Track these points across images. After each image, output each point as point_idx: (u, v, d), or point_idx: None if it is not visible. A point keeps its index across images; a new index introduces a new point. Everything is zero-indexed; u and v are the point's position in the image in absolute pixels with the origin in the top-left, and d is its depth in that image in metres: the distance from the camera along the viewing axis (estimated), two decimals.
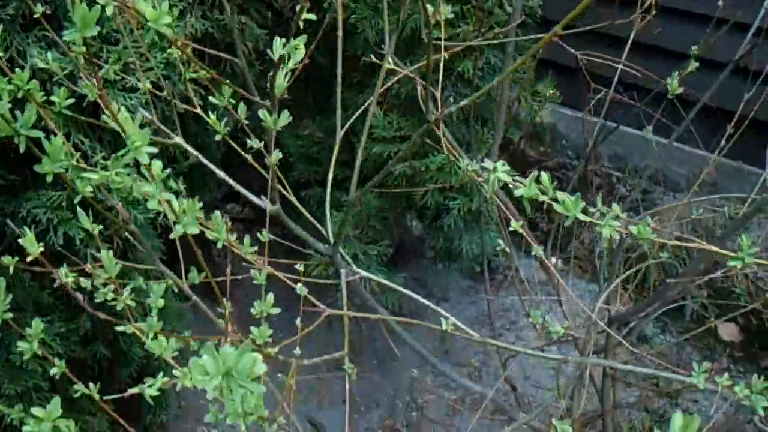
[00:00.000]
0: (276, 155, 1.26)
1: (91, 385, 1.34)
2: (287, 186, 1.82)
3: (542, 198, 1.31)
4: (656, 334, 3.66)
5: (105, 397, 1.29)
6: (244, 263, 1.62)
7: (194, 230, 1.03)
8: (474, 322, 3.63)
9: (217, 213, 1.35)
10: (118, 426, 2.07)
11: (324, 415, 3.40)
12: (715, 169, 3.77)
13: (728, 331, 3.79)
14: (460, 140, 2.75)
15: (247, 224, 4.13)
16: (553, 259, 4.08)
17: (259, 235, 1.40)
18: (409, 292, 1.88)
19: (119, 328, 1.31)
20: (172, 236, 1.03)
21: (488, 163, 1.31)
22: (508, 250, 2.08)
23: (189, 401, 3.50)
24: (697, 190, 2.56)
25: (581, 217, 1.29)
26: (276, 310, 1.31)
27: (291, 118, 1.23)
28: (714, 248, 1.43)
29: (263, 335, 1.23)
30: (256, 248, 1.39)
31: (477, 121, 2.92)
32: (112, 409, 1.49)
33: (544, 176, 1.30)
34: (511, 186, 1.35)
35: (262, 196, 1.63)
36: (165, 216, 1.17)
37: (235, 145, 1.67)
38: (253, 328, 1.25)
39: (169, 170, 1.14)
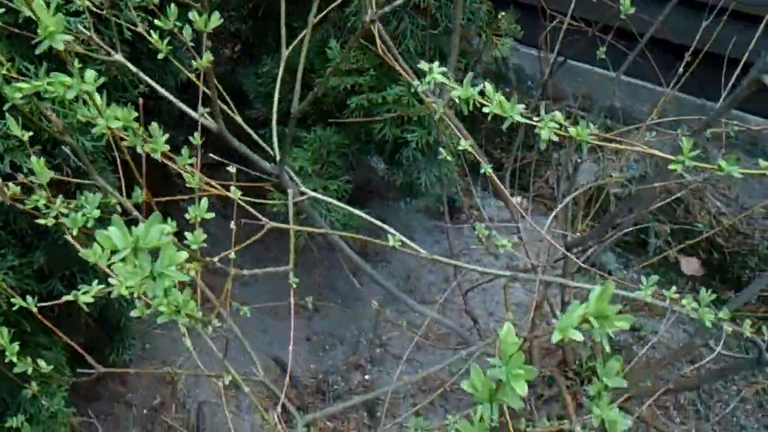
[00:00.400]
0: (207, 57, 1.24)
1: (28, 298, 1.32)
2: (246, 123, 1.81)
3: (479, 100, 1.31)
4: (619, 269, 3.69)
5: (41, 306, 1.27)
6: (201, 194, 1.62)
7: (116, 124, 1.01)
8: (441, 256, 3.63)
9: (155, 124, 1.33)
10: (78, 361, 2.07)
11: (287, 354, 3.40)
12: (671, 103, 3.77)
13: (690, 265, 3.82)
14: (418, 73, 2.72)
15: (212, 169, 4.10)
16: (518, 198, 4.09)
17: (190, 138, 1.38)
18: (361, 213, 1.88)
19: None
20: (95, 131, 1.01)
21: (423, 64, 1.30)
22: (464, 184, 2.08)
23: (154, 343, 3.50)
24: (654, 118, 2.57)
25: (518, 118, 1.28)
26: (210, 215, 1.29)
27: (222, 20, 1.20)
28: (653, 150, 1.43)
29: (197, 240, 1.22)
30: (193, 160, 1.37)
31: (435, 55, 2.89)
32: (71, 350, 1.48)
33: (489, 87, 1.29)
34: (456, 101, 1.34)
35: (204, 113, 1.61)
36: (117, 147, 1.16)
37: (182, 67, 1.64)
38: (187, 233, 1.24)
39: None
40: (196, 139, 1.39)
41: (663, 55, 3.35)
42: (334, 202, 1.75)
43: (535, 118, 1.28)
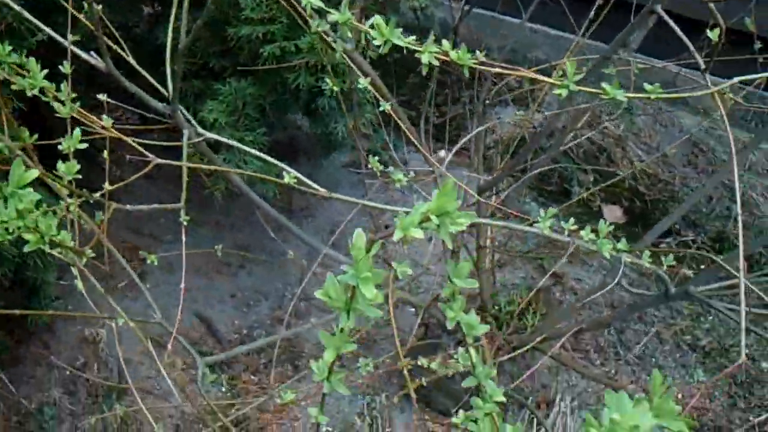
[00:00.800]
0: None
1: None
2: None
3: (364, 30, 1.29)
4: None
5: None
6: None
7: None
8: (361, 214, 3.63)
9: (33, 59, 1.30)
10: None
11: (212, 311, 3.39)
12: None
13: (612, 213, 3.87)
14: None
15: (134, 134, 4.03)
16: (441, 152, 4.11)
17: (60, 67, 1.35)
18: (271, 159, 1.86)
19: None
20: None
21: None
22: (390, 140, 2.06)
23: (76, 305, 3.45)
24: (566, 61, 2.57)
25: (398, 42, 1.27)
26: (83, 145, 1.26)
27: None
28: (532, 74, 1.43)
29: (70, 171, 1.19)
30: (78, 105, 1.34)
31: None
32: None
33: (379, 19, 1.28)
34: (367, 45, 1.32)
35: (92, 53, 1.57)
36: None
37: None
38: (60, 164, 1.21)
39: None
40: (66, 67, 1.35)
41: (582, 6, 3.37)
42: (238, 145, 1.73)
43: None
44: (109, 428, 2.99)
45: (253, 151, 1.76)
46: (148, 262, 2.15)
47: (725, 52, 1.61)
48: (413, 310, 3.18)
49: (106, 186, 1.36)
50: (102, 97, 1.55)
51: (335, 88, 2.30)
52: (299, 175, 1.62)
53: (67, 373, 3.21)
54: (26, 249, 1.03)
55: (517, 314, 2.80)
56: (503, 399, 0.96)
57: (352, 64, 1.89)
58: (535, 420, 2.73)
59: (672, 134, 4.00)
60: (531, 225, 1.83)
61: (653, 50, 2.89)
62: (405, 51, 1.38)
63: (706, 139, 4.01)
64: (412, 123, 2.56)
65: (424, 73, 1.31)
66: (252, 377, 3.13)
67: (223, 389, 3.11)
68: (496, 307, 2.77)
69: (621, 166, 3.91)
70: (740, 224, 1.46)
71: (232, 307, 3.43)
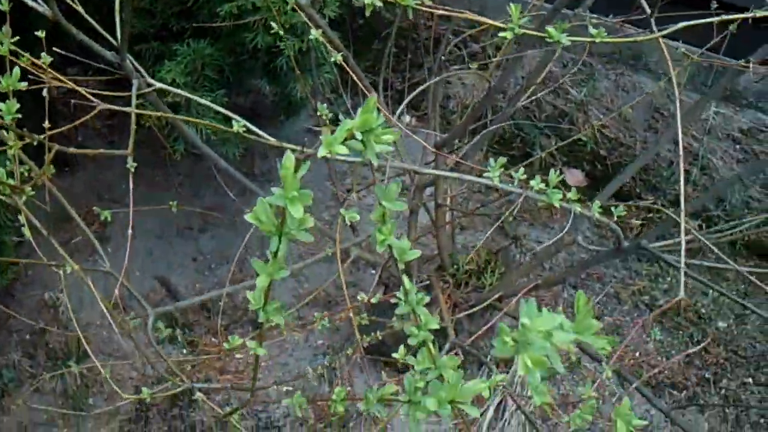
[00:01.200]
0: None
1: None
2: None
3: None
4: (504, 182, 3.73)
5: None
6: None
7: None
8: (326, 178, 3.64)
9: None
10: None
11: (173, 274, 3.38)
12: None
13: (574, 177, 3.90)
14: None
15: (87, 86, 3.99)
16: (407, 117, 4.11)
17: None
18: (225, 111, 1.85)
19: None
20: None
21: None
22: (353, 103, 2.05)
23: (36, 271, 3.43)
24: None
25: None
26: (22, 84, 1.24)
27: None
28: (483, 18, 1.44)
29: (10, 110, 1.17)
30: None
31: None
32: None
33: None
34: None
35: (39, 0, 1.56)
36: None
37: None
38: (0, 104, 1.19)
39: None
40: (4, 4, 1.34)
41: None
42: (192, 96, 1.72)
43: None
44: (69, 390, 2.98)
45: (206, 102, 1.75)
46: (102, 218, 2.15)
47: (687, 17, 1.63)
48: (374, 271, 3.20)
49: (46, 124, 1.35)
50: (40, 34, 1.53)
51: (281, 33, 2.27)
52: (249, 125, 1.62)
53: (27, 336, 3.20)
54: None
55: (476, 274, 2.81)
56: (437, 326, 0.97)
57: (306, 18, 1.88)
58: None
59: (634, 99, 4.02)
60: (482, 176, 1.83)
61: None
62: (367, 17, 1.37)
63: (667, 104, 4.03)
64: (374, 88, 2.56)
65: (367, 14, 1.31)
66: (213, 339, 3.13)
67: (184, 351, 3.11)
68: (455, 266, 2.78)
69: (583, 131, 3.92)
70: (681, 170, 1.48)
71: (193, 270, 3.42)
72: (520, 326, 0.66)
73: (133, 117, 1.53)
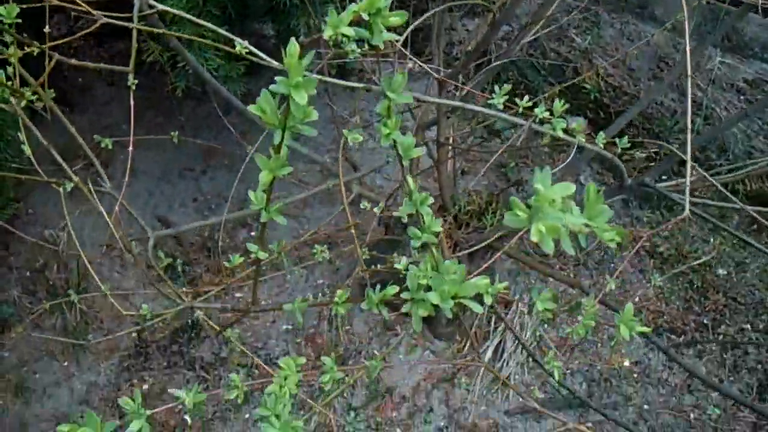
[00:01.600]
0: None
1: None
2: None
3: None
4: (506, 128, 3.71)
5: None
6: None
7: None
8: (327, 122, 3.61)
9: None
10: None
11: (174, 214, 3.37)
12: None
13: (578, 126, 3.87)
14: None
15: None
16: (409, 63, 4.06)
17: None
18: (215, 27, 1.82)
19: None
20: None
21: None
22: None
23: (36, 209, 3.42)
24: None
25: None
26: None
27: None
28: None
29: (10, 14, 1.15)
30: None
31: None
32: None
33: None
34: None
35: None
36: None
37: None
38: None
39: None
40: None
41: None
42: (188, 16, 1.69)
43: None
44: (68, 326, 2.99)
45: (210, 25, 1.72)
46: (102, 146, 2.13)
47: None
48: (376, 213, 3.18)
49: (46, 29, 1.33)
50: None
51: None
52: (251, 47, 1.59)
53: (27, 273, 3.20)
54: None
55: (477, 215, 2.80)
56: (440, 229, 0.96)
57: None
58: (494, 317, 2.76)
59: (639, 48, 3.99)
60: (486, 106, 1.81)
61: None
62: None
63: (672, 54, 4.00)
64: None
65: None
66: (213, 277, 3.13)
67: (184, 289, 3.10)
68: (457, 207, 2.77)
69: (587, 79, 3.89)
70: (689, 104, 1.46)
71: (194, 210, 3.41)
72: (535, 193, 0.65)
73: (134, 33, 1.50)
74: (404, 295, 0.92)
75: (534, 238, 0.61)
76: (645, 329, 0.97)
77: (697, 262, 3.19)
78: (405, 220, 1.02)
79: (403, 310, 0.91)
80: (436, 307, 0.90)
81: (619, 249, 3.30)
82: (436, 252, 0.96)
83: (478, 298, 0.90)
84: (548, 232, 0.61)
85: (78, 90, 3.89)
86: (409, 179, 0.94)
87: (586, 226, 0.69)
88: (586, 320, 1.11)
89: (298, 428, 0.84)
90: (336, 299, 1.06)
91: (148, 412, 0.97)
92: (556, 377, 1.35)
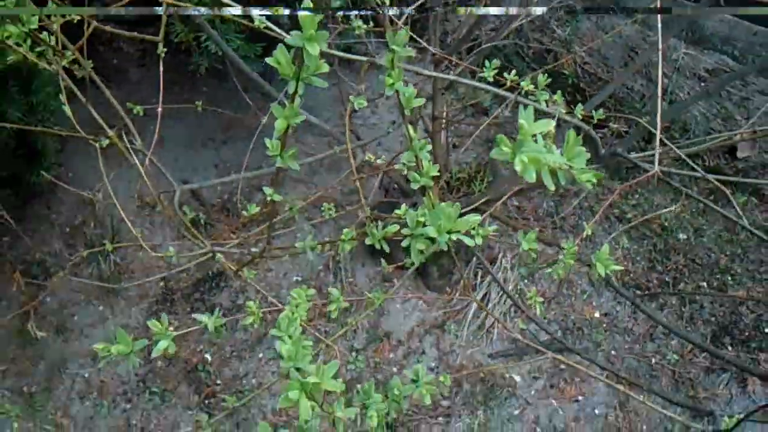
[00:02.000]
0: None
1: None
2: None
3: None
4: (493, 106, 3.69)
5: None
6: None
7: None
8: (335, 100, 3.58)
9: None
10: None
11: (197, 179, 3.36)
12: None
13: (557, 96, 3.84)
14: None
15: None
16: (412, 51, 4.03)
17: None
18: (247, 12, 1.79)
19: None
20: None
21: None
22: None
23: (76, 171, 3.40)
24: None
25: None
26: None
27: None
28: None
29: None
30: None
31: None
32: None
33: None
34: None
35: None
36: None
37: None
38: None
39: None
40: None
41: None
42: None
43: None
44: (103, 275, 2.98)
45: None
46: (134, 112, 2.11)
47: None
48: (377, 178, 3.17)
49: None
50: None
51: None
52: (266, 20, 1.57)
53: (67, 230, 3.19)
54: (9, 59, 0.99)
55: (467, 182, 2.79)
56: (437, 173, 0.95)
57: None
58: (480, 272, 2.75)
59: (613, 38, 3.96)
60: (478, 79, 1.79)
61: None
62: None
63: (641, 44, 3.97)
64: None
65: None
66: (232, 235, 3.11)
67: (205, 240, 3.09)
68: (448, 174, 2.76)
69: (566, 65, 3.87)
70: (660, 78, 1.44)
71: (215, 175, 3.39)
72: (519, 128, 0.64)
73: (165, 6, 1.48)
74: (404, 231, 0.90)
75: (517, 168, 0.60)
76: (618, 267, 0.96)
77: (653, 215, 3.18)
78: (406, 171, 1.01)
79: (403, 244, 0.90)
80: (429, 258, 0.89)
81: (592, 214, 3.29)
82: (434, 196, 0.95)
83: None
84: (530, 163, 0.60)
85: (113, 70, 3.86)
86: (410, 128, 0.93)
87: (567, 166, 0.68)
88: (566, 259, 1.10)
89: (307, 346, 0.83)
90: (342, 237, 1.05)
91: (174, 333, 0.96)
92: (538, 312, 1.34)
